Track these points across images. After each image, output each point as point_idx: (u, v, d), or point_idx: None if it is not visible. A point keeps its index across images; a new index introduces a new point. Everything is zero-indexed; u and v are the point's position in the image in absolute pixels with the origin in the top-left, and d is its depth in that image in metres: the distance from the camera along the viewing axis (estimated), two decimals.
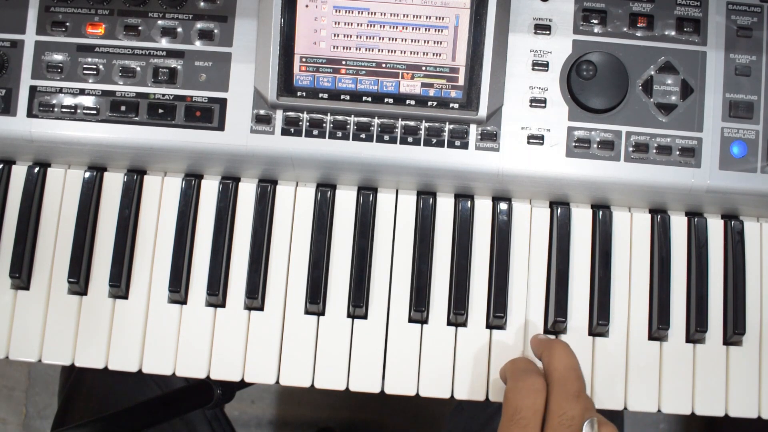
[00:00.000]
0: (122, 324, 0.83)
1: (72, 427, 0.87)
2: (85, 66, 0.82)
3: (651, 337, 0.83)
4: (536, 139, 0.81)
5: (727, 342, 0.83)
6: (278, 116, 0.81)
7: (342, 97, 0.80)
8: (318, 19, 0.78)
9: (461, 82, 0.79)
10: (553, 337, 0.82)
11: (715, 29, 0.81)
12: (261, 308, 0.84)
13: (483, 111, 0.79)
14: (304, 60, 0.79)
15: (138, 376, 0.84)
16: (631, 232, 0.85)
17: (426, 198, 0.85)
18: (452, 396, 0.82)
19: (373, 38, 0.79)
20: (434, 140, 0.81)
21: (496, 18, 0.78)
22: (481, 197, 0.85)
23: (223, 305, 0.84)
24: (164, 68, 0.81)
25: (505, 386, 0.73)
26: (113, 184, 0.85)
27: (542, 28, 0.81)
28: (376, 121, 0.81)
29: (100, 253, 0.84)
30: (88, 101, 0.82)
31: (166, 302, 0.84)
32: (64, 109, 0.81)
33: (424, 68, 0.79)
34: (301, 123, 0.81)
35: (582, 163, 0.81)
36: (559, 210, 0.85)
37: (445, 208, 0.85)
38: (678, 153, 0.81)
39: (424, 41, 0.79)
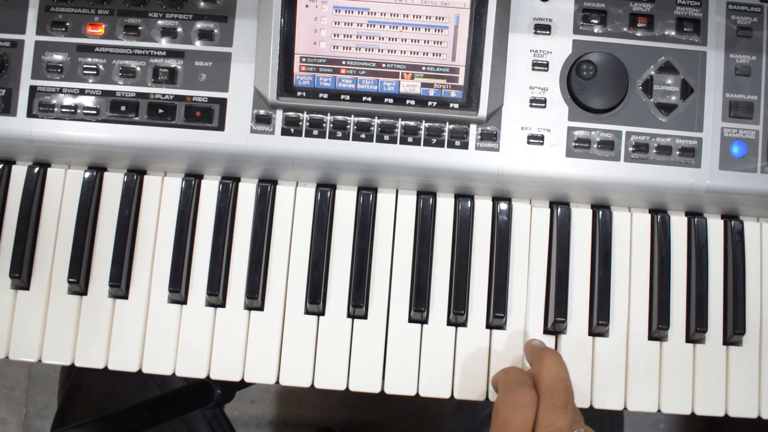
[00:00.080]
0: (122, 324, 0.83)
1: (72, 427, 0.87)
2: (85, 66, 0.82)
3: (651, 337, 0.83)
4: (536, 139, 0.81)
5: (727, 342, 0.83)
6: (278, 116, 0.81)
7: (342, 97, 0.80)
8: (318, 19, 0.78)
9: (461, 82, 0.79)
10: (546, 343, 0.82)
11: (715, 29, 0.81)
12: (261, 308, 0.84)
13: (483, 111, 0.79)
14: (304, 60, 0.79)
15: (138, 376, 0.84)
16: (631, 232, 0.85)
17: (426, 198, 0.85)
18: (452, 396, 0.82)
19: (373, 38, 0.79)
20: (434, 140, 0.81)
21: (496, 18, 0.78)
22: (481, 197, 0.85)
23: (223, 305, 0.84)
24: (164, 68, 0.81)
25: (497, 396, 0.73)
26: (113, 184, 0.85)
27: (542, 28, 0.81)
28: (376, 121, 0.81)
29: (100, 253, 0.84)
30: (88, 101, 0.82)
31: (166, 302, 0.84)
32: (64, 109, 0.81)
33: (424, 68, 0.79)
34: (301, 123, 0.81)
35: (582, 163, 0.81)
36: (559, 210, 0.85)
37: (445, 208, 0.85)
38: (678, 153, 0.81)
39: (424, 41, 0.79)
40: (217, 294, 0.82)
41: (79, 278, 0.83)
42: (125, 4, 0.82)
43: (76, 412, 1.02)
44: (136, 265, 0.84)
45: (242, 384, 0.86)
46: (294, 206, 0.85)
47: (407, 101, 0.80)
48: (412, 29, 0.78)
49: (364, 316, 0.83)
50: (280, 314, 0.83)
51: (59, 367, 1.12)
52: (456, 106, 0.80)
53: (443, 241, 0.84)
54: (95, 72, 0.82)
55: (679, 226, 0.85)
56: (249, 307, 0.84)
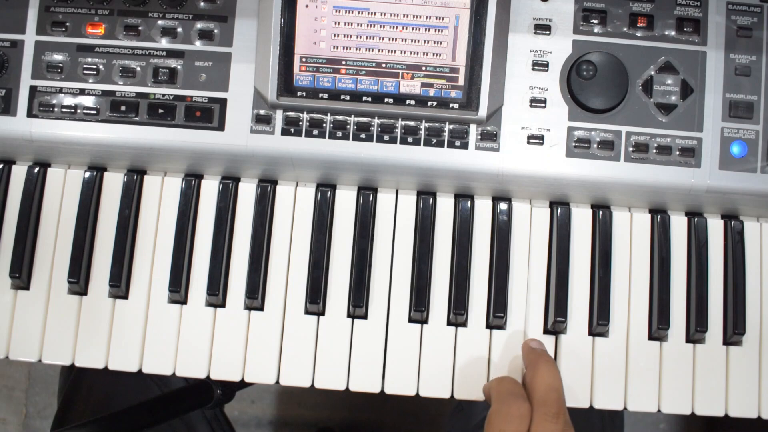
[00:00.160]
0: (122, 324, 0.83)
1: (72, 427, 0.87)
2: (85, 66, 0.82)
3: (651, 337, 0.83)
4: (536, 139, 0.81)
5: (727, 342, 0.83)
6: (278, 116, 0.81)
7: (342, 97, 0.80)
8: (318, 19, 0.78)
9: (461, 82, 0.79)
10: (546, 343, 0.82)
11: (715, 29, 0.81)
12: (261, 308, 0.84)
13: (483, 111, 0.79)
14: (304, 60, 0.79)
15: (138, 376, 0.84)
16: (631, 232, 0.85)
17: (426, 198, 0.85)
18: (452, 396, 0.82)
19: (373, 38, 0.79)
20: (434, 140, 0.81)
21: (496, 18, 0.78)
22: (481, 197, 0.85)
23: (223, 305, 0.84)
24: (164, 68, 0.81)
25: (491, 407, 0.73)
26: (113, 184, 0.85)
27: (542, 28, 0.81)
28: (376, 121, 0.81)
29: (100, 253, 0.84)
30: (88, 101, 0.82)
31: (166, 302, 0.84)
32: (64, 109, 0.81)
33: (424, 68, 0.79)
34: (301, 123, 0.81)
35: (582, 163, 0.81)
36: (559, 210, 0.85)
37: (445, 208, 0.85)
38: (678, 153, 0.81)
39: (424, 41, 0.79)
40: (217, 294, 0.82)
41: (79, 278, 0.83)
42: (125, 4, 0.82)
43: (76, 412, 1.02)
44: (136, 265, 0.84)
45: (242, 384, 0.86)
46: (294, 206, 0.85)
47: (407, 101, 0.80)
48: (412, 29, 0.78)
49: (364, 316, 0.83)
50: (280, 314, 0.83)
51: (59, 367, 1.12)
52: (456, 106, 0.80)
53: (443, 241, 0.84)
54: (95, 72, 0.82)
55: (679, 226, 0.85)
56: (249, 307, 0.84)
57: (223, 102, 0.81)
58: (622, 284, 0.84)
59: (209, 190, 0.85)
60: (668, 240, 0.84)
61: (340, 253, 0.84)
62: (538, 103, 0.81)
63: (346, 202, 0.85)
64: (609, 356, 0.82)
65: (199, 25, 0.82)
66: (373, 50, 0.79)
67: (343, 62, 0.79)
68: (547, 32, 0.81)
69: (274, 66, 0.79)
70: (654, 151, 0.81)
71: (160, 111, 0.81)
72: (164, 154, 0.82)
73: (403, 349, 0.82)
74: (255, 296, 0.82)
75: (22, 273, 0.83)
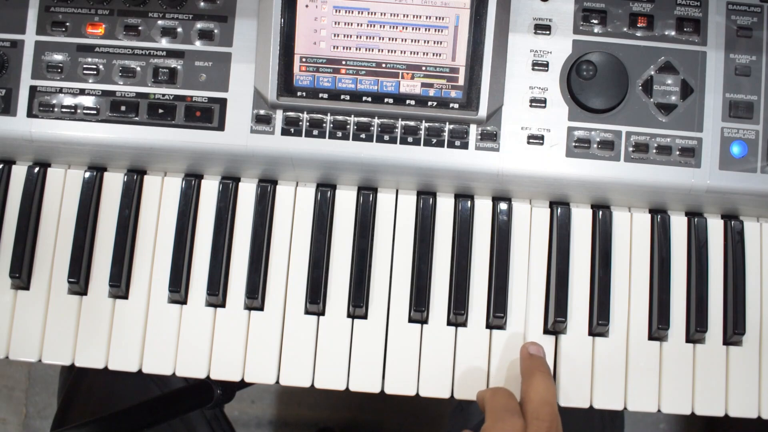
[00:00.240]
0: (122, 324, 0.83)
1: (72, 427, 0.87)
2: (85, 66, 0.82)
3: (651, 337, 0.83)
4: (536, 139, 0.81)
5: (727, 342, 0.83)
6: (278, 116, 0.81)
7: (342, 97, 0.80)
8: (318, 19, 0.78)
9: (461, 82, 0.79)
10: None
11: (715, 29, 0.81)
12: (261, 308, 0.84)
13: (483, 111, 0.79)
14: (304, 60, 0.79)
15: (138, 376, 0.84)
16: (631, 232, 0.85)
17: (426, 198, 0.85)
18: (452, 396, 0.82)
19: (373, 38, 0.79)
20: (434, 140, 0.81)
21: (496, 18, 0.78)
22: (481, 197, 0.85)
23: (223, 305, 0.84)
24: (164, 68, 0.81)
25: (485, 423, 0.73)
26: (113, 184, 0.85)
27: (542, 28, 0.81)
28: (376, 121, 0.81)
29: (100, 253, 0.84)
30: (88, 101, 0.82)
31: (166, 302, 0.84)
32: (64, 109, 0.81)
33: (424, 68, 0.79)
34: (301, 123, 0.81)
35: (582, 163, 0.81)
36: (559, 210, 0.85)
37: (445, 208, 0.85)
38: (678, 153, 0.81)
39: (424, 41, 0.79)
40: (217, 294, 0.82)
41: (79, 278, 0.83)
42: (125, 4, 0.82)
43: (76, 412, 1.02)
44: (136, 265, 0.84)
45: (242, 384, 0.86)
46: (294, 206, 0.85)
47: (407, 101, 0.80)
48: (412, 29, 0.78)
49: (364, 316, 0.83)
50: (280, 314, 0.83)
51: (59, 367, 1.12)
52: (456, 106, 0.80)
53: (443, 241, 0.84)
54: (95, 72, 0.82)
55: (679, 226, 0.85)
56: (249, 307, 0.84)
57: (223, 102, 0.81)
58: (622, 284, 0.84)
59: (209, 190, 0.85)
60: (668, 240, 0.84)
61: (340, 253, 0.84)
62: (538, 103, 0.81)
63: (346, 202, 0.85)
64: (609, 356, 0.82)
65: (199, 25, 0.82)
66: (373, 50, 0.79)
67: (343, 62, 0.79)
68: (547, 32, 0.81)
69: (274, 66, 0.79)
70: (654, 151, 0.81)
71: (160, 111, 0.81)
72: (164, 154, 0.82)
73: (403, 349, 0.82)
74: (255, 296, 0.82)
75: (22, 273, 0.83)
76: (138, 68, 0.82)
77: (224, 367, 0.82)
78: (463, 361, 0.82)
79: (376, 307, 0.83)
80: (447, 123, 0.80)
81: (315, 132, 0.81)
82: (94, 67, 0.82)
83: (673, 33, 0.81)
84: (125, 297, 0.84)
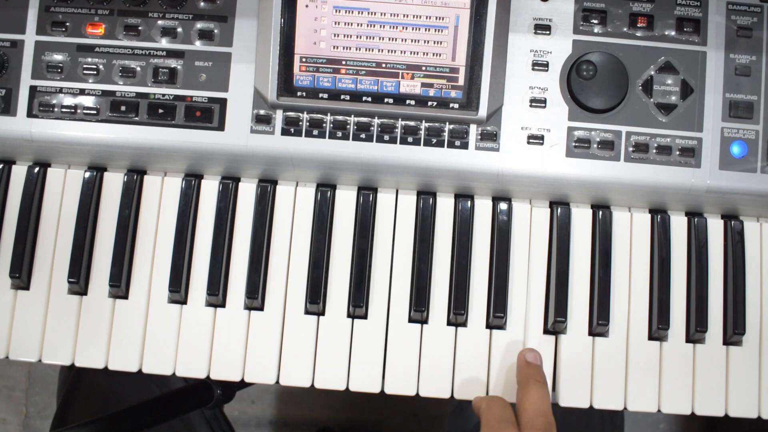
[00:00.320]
0: (122, 324, 0.83)
1: (71, 427, 0.87)
2: (85, 66, 0.82)
3: (651, 337, 0.83)
4: (536, 139, 0.81)
5: (727, 342, 0.83)
6: (278, 116, 0.81)
7: (342, 97, 0.80)
8: (318, 19, 0.78)
9: (461, 82, 0.79)
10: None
11: (715, 29, 0.81)
12: (261, 308, 0.84)
13: (483, 111, 0.79)
14: (304, 60, 0.79)
15: (138, 376, 0.84)
16: (631, 232, 0.85)
17: (426, 198, 0.85)
18: (452, 396, 0.82)
19: (373, 38, 0.79)
20: (434, 140, 0.81)
21: (496, 18, 0.78)
22: (481, 197, 0.85)
23: (223, 305, 0.84)
24: (164, 68, 0.81)
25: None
26: (113, 184, 0.85)
27: (542, 28, 0.81)
28: (376, 121, 0.81)
29: (100, 253, 0.84)
30: (88, 101, 0.82)
31: (166, 302, 0.84)
32: (64, 109, 0.81)
33: (424, 68, 0.79)
34: (301, 123, 0.81)
35: (582, 163, 0.81)
36: (559, 210, 0.85)
37: (445, 208, 0.85)
38: (678, 153, 0.81)
39: (424, 41, 0.79)
40: (217, 294, 0.82)
41: (79, 278, 0.83)
42: (125, 4, 0.82)
43: (76, 412, 1.02)
44: (136, 265, 0.84)
45: (242, 384, 0.86)
46: (294, 206, 0.85)
47: (407, 101, 0.80)
48: (412, 29, 0.78)
49: (364, 316, 0.83)
50: (280, 314, 0.83)
51: (59, 367, 1.12)
52: (456, 106, 0.80)
53: (443, 241, 0.84)
54: (95, 72, 0.82)
55: (679, 226, 0.85)
56: (249, 307, 0.84)
57: (223, 102, 0.81)
58: (622, 284, 0.84)
59: (209, 190, 0.85)
60: (668, 240, 0.84)
61: (340, 253, 0.84)
62: (538, 103, 0.81)
63: (346, 202, 0.85)
64: (609, 356, 0.82)
65: (199, 25, 0.82)
66: (373, 50, 0.79)
67: (343, 62, 0.79)
68: (547, 32, 0.81)
69: (274, 66, 0.79)
70: (654, 151, 0.81)
71: (160, 111, 0.81)
72: (164, 154, 0.82)
73: (403, 349, 0.82)
74: (255, 296, 0.82)
75: (22, 273, 0.83)
76: (138, 68, 0.82)
77: (224, 367, 0.82)
78: (463, 361, 0.82)
79: (376, 307, 0.83)
80: (447, 123, 0.80)
81: (315, 132, 0.81)
82: (94, 67, 0.82)
83: (673, 33, 0.81)
84: (125, 297, 0.84)
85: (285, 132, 0.81)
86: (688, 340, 0.83)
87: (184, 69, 0.81)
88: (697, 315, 0.82)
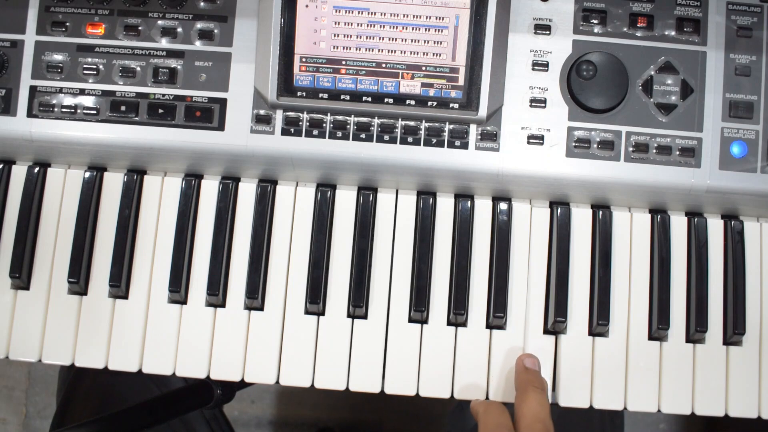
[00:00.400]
0: (122, 324, 0.83)
1: (71, 427, 0.87)
2: (85, 66, 0.82)
3: (651, 337, 0.83)
4: (536, 139, 0.81)
5: (727, 342, 0.83)
6: (278, 116, 0.81)
7: (342, 97, 0.80)
8: (318, 19, 0.78)
9: (461, 82, 0.79)
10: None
11: (715, 29, 0.81)
12: (261, 308, 0.84)
13: (483, 111, 0.79)
14: (304, 60, 0.79)
15: (138, 376, 0.84)
16: (631, 232, 0.85)
17: (426, 198, 0.85)
18: (452, 396, 0.82)
19: (373, 38, 0.79)
20: (434, 140, 0.81)
21: (496, 18, 0.78)
22: (481, 197, 0.85)
23: (223, 305, 0.84)
24: (164, 68, 0.81)
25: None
26: (113, 184, 0.85)
27: (542, 28, 0.81)
28: (376, 121, 0.81)
29: (100, 253, 0.84)
30: (88, 101, 0.82)
31: (166, 302, 0.84)
32: (64, 109, 0.81)
33: (424, 68, 0.79)
34: (301, 123, 0.81)
35: (582, 163, 0.81)
36: (559, 210, 0.85)
37: (445, 208, 0.85)
38: (678, 153, 0.81)
39: (424, 41, 0.79)
40: (217, 294, 0.82)
41: (79, 278, 0.83)
42: (125, 4, 0.82)
43: (76, 412, 1.02)
44: (136, 265, 0.84)
45: (242, 384, 0.86)
46: (294, 206, 0.85)
47: (407, 101, 0.80)
48: (412, 29, 0.78)
49: (364, 316, 0.83)
50: (280, 314, 0.83)
51: (59, 367, 1.12)
52: (456, 106, 0.80)
53: (443, 241, 0.84)
54: (95, 72, 0.82)
55: (679, 226, 0.85)
56: (249, 307, 0.84)
57: (223, 102, 0.81)
58: (622, 284, 0.84)
59: (209, 190, 0.85)
60: (668, 240, 0.84)
61: (340, 253, 0.84)
62: (538, 103, 0.81)
63: (346, 202, 0.85)
64: (609, 356, 0.82)
65: (199, 25, 0.82)
66: (373, 50, 0.79)
67: (343, 62, 0.79)
68: (547, 32, 0.81)
69: (274, 66, 0.79)
70: (654, 151, 0.81)
71: (160, 111, 0.81)
72: (164, 154, 0.82)
73: (403, 349, 0.82)
74: (255, 296, 0.82)
75: (22, 273, 0.83)
76: (138, 68, 0.82)
77: (224, 367, 0.82)
78: (463, 361, 0.82)
79: (376, 307, 0.83)
80: (447, 123, 0.80)
81: (315, 132, 0.81)
82: (94, 67, 0.82)
83: (673, 33, 0.81)
84: (125, 297, 0.84)
85: (285, 132, 0.81)
86: (688, 340, 0.83)
87: (184, 69, 0.81)
88: (697, 315, 0.82)
